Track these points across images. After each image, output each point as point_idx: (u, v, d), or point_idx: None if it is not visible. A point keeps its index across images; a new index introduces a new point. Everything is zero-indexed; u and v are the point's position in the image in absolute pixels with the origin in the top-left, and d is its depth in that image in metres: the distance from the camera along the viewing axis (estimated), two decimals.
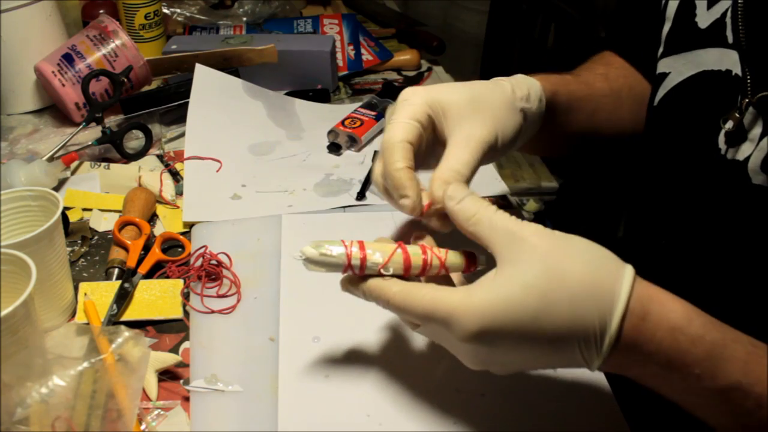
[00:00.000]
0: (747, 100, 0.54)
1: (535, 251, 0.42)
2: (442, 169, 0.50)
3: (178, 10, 1.25)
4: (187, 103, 0.91)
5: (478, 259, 0.49)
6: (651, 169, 0.67)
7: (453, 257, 0.48)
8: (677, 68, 0.61)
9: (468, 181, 0.51)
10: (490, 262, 0.45)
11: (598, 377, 0.58)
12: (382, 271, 0.47)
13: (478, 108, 0.53)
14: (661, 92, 0.62)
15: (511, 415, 0.55)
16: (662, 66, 0.63)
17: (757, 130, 0.54)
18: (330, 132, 0.90)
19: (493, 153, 0.54)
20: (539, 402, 0.56)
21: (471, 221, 0.45)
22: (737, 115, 0.55)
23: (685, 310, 0.42)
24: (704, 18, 0.59)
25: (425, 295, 0.44)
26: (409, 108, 0.52)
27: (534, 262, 0.41)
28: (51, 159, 0.85)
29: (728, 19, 0.57)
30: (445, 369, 0.58)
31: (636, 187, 0.71)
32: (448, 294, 0.43)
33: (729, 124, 0.55)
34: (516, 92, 0.56)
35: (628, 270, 0.42)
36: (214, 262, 0.69)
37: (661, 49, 0.64)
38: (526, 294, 0.41)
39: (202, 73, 0.94)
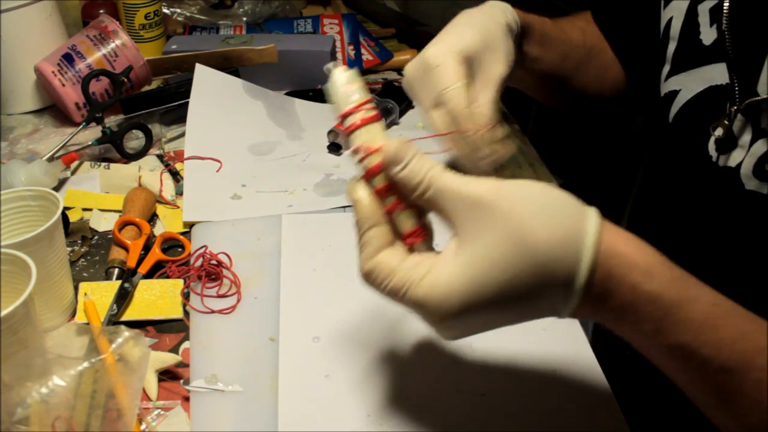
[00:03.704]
0: (735, 108, 0.55)
1: (494, 218, 0.40)
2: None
3: (178, 10, 1.24)
4: (187, 103, 0.91)
5: (421, 241, 0.45)
6: (654, 177, 0.68)
7: (405, 218, 0.44)
8: (687, 85, 0.61)
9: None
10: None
11: (598, 378, 0.58)
12: (352, 138, 0.45)
13: (490, 47, 0.59)
14: (674, 109, 0.62)
15: (511, 415, 0.55)
16: (672, 84, 0.63)
17: (746, 137, 0.55)
18: (330, 132, 0.90)
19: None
20: (539, 402, 0.56)
21: (420, 188, 0.42)
22: (726, 122, 0.56)
23: (648, 265, 0.41)
24: (708, 35, 0.60)
25: (395, 282, 0.42)
26: (450, 72, 0.56)
27: (496, 232, 0.40)
28: (51, 159, 0.85)
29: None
30: (446, 369, 0.58)
31: (637, 193, 0.71)
32: (416, 283, 0.41)
33: (719, 132, 0.56)
34: (507, 16, 0.61)
35: (592, 221, 0.41)
36: (214, 262, 0.69)
37: (668, 68, 0.64)
38: (492, 269, 0.40)
39: (202, 73, 0.94)
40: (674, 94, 0.62)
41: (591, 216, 0.41)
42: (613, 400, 0.56)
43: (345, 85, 0.45)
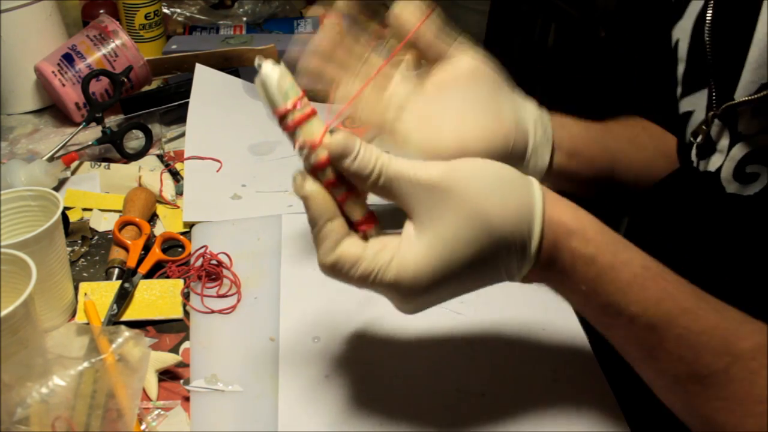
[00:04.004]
0: (712, 113, 0.55)
1: (452, 200, 0.43)
2: None
3: (178, 10, 1.24)
4: (187, 103, 0.91)
5: (374, 227, 0.46)
6: (658, 188, 0.68)
7: (356, 207, 0.46)
8: (699, 105, 0.60)
9: None
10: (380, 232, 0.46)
11: (598, 378, 0.58)
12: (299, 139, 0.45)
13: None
14: (689, 130, 0.62)
15: (511, 415, 0.55)
16: (685, 105, 0.63)
17: (724, 141, 0.56)
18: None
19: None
20: (539, 402, 0.56)
21: (372, 177, 0.43)
22: (704, 127, 0.57)
23: (584, 231, 0.45)
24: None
25: (363, 269, 0.44)
26: None
27: (455, 213, 0.43)
28: (51, 159, 0.85)
29: None
30: (446, 369, 0.59)
31: (636, 197, 0.71)
32: (385, 267, 0.44)
33: (699, 138, 0.57)
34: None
35: (537, 193, 0.45)
36: (214, 262, 0.69)
37: (680, 90, 0.64)
38: (455, 247, 0.43)
39: (202, 73, 0.94)
40: (688, 114, 0.62)
41: (536, 188, 0.45)
42: (613, 400, 0.56)
43: (278, 81, 0.44)
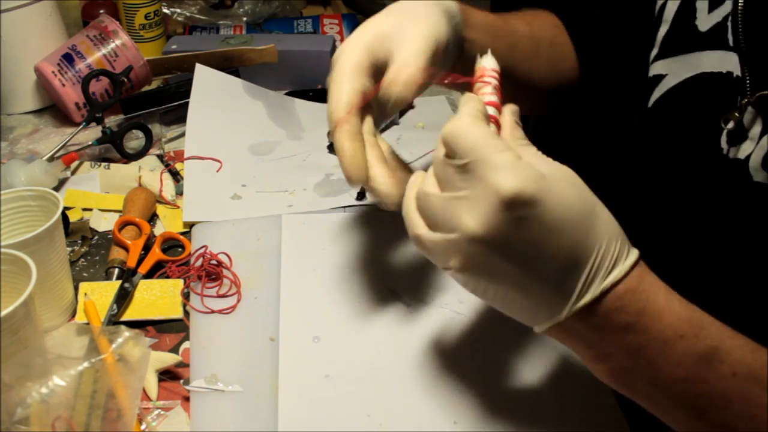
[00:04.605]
0: (746, 100, 0.55)
1: (577, 188, 0.44)
2: (395, 69, 0.53)
3: (178, 10, 1.24)
4: (187, 103, 0.91)
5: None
6: (646, 169, 0.67)
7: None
8: (674, 70, 0.61)
9: (424, 72, 0.52)
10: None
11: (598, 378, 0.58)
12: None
13: (409, 22, 0.56)
14: (657, 94, 0.62)
15: (511, 415, 0.55)
16: (657, 68, 0.63)
17: (756, 129, 0.55)
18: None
19: (440, 54, 0.55)
20: (539, 402, 0.56)
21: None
22: (737, 114, 0.56)
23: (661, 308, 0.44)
24: (705, 21, 0.59)
25: (483, 135, 0.42)
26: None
27: (574, 194, 0.43)
28: (51, 159, 0.85)
29: (729, 23, 0.57)
30: (446, 369, 0.58)
31: (633, 186, 0.71)
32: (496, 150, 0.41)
33: (730, 125, 0.56)
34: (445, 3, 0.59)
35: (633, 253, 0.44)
36: (214, 262, 0.69)
37: (655, 51, 0.64)
38: (567, 186, 0.42)
39: (202, 73, 0.94)
40: (659, 78, 0.62)
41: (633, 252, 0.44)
42: (613, 400, 0.56)
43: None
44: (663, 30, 0.63)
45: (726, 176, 0.57)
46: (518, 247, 0.41)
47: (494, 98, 0.49)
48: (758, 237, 0.55)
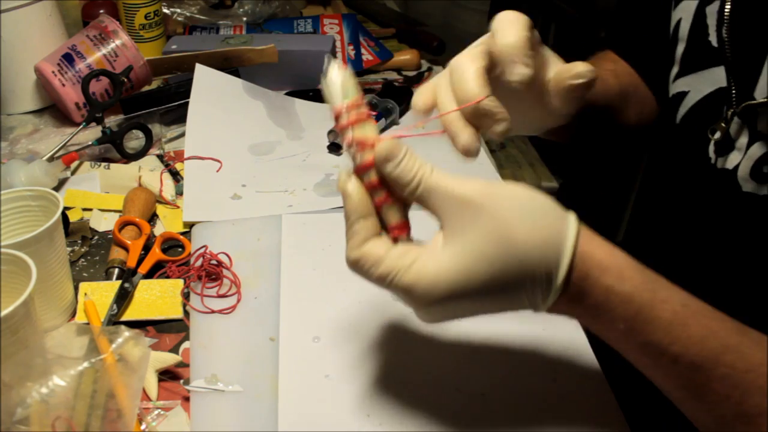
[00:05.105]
0: (732, 110, 0.55)
1: (482, 217, 0.43)
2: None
3: (178, 10, 1.24)
4: (187, 103, 0.91)
5: (406, 234, 0.48)
6: (655, 178, 0.68)
7: (393, 212, 0.47)
8: (696, 86, 0.61)
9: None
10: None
11: (598, 378, 0.58)
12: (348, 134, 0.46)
13: None
14: (682, 110, 0.62)
15: (511, 415, 0.55)
16: (680, 85, 0.63)
17: (743, 139, 0.55)
18: (330, 132, 0.90)
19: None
20: (539, 402, 0.56)
21: (411, 186, 0.44)
22: (723, 125, 0.56)
23: (620, 269, 0.44)
24: (715, 37, 0.60)
25: (382, 269, 0.45)
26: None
27: (482, 230, 0.42)
28: (51, 159, 0.85)
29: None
30: (446, 369, 0.59)
31: (638, 193, 0.71)
32: (404, 270, 0.44)
33: (717, 135, 0.57)
34: None
35: (572, 226, 0.44)
36: (214, 262, 0.69)
37: (676, 69, 0.64)
38: (477, 262, 0.43)
39: (202, 73, 0.94)
40: (682, 95, 0.62)
41: (571, 222, 0.44)
42: (613, 400, 0.56)
43: (341, 82, 0.47)
44: (680, 48, 0.64)
45: (716, 186, 0.57)
46: (465, 305, 0.44)
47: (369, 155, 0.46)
48: (750, 247, 0.55)
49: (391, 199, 0.47)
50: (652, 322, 0.43)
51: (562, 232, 0.43)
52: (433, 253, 0.44)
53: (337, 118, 0.47)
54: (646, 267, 0.45)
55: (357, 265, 0.45)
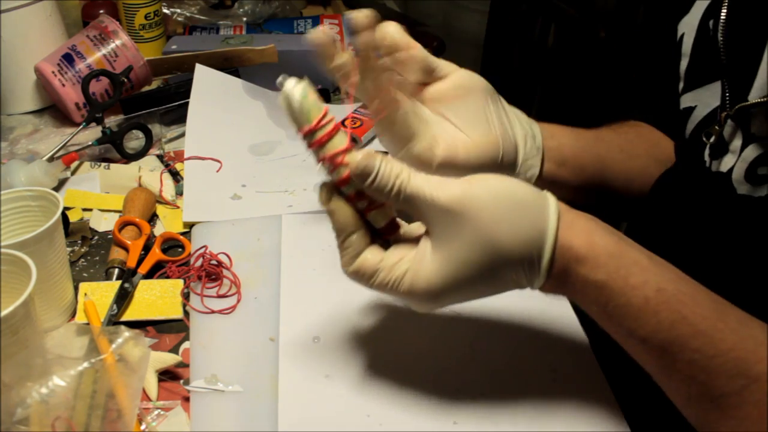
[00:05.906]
0: (725, 113, 0.55)
1: (464, 225, 0.45)
2: None
3: (178, 10, 1.24)
4: (187, 103, 0.91)
5: (399, 225, 0.50)
6: (658, 185, 0.68)
7: (379, 217, 0.48)
8: (703, 100, 0.60)
9: None
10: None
11: (598, 378, 0.58)
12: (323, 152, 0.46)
13: None
14: (690, 126, 0.62)
15: (511, 415, 0.55)
16: (687, 100, 0.62)
17: (737, 142, 0.55)
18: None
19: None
20: (539, 402, 0.56)
21: (392, 196, 0.46)
22: (717, 128, 0.56)
23: (596, 258, 0.46)
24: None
25: (380, 279, 0.48)
26: None
27: (466, 237, 0.45)
28: (51, 159, 0.85)
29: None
30: (446, 369, 0.59)
31: (630, 203, 0.71)
32: (399, 280, 0.47)
33: (712, 138, 0.57)
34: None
35: (551, 218, 0.46)
36: (214, 262, 0.69)
37: (681, 84, 0.64)
38: (464, 267, 0.46)
39: (202, 73, 0.94)
40: (690, 110, 0.62)
41: (551, 214, 0.46)
42: (613, 400, 0.56)
43: (300, 102, 0.45)
44: (684, 63, 0.63)
45: (710, 190, 0.57)
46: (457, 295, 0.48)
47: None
48: (746, 249, 0.55)
49: (375, 205, 0.47)
50: (622, 308, 0.46)
51: (542, 226, 0.46)
52: (423, 261, 0.47)
53: (305, 137, 0.46)
54: (632, 246, 0.48)
55: (357, 276, 0.48)
